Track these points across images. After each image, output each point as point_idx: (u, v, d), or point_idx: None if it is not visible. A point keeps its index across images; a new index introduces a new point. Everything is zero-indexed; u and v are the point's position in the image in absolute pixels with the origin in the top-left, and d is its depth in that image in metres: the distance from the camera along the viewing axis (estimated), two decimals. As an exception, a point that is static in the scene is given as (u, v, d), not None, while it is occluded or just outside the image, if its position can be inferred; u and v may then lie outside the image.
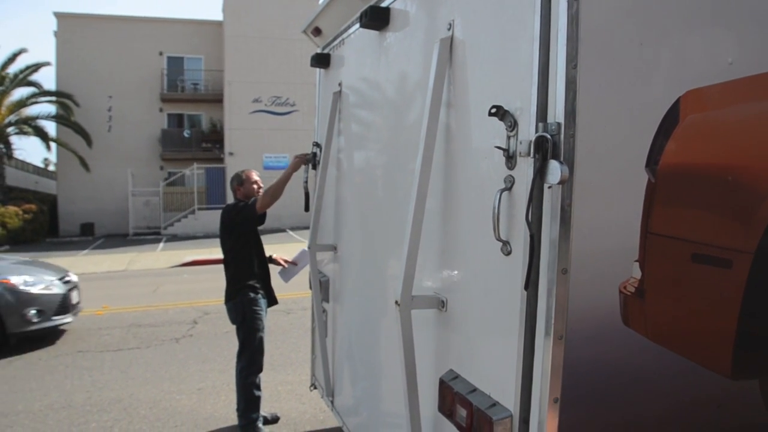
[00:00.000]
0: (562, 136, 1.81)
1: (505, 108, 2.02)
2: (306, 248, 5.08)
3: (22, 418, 5.70)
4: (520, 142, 1.95)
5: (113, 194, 30.00)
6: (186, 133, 31.43)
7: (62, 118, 29.02)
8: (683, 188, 2.07)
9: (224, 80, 30.15)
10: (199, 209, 28.97)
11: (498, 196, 2.00)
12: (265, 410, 5.40)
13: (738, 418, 2.34)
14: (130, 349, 8.10)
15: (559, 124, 1.82)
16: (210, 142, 31.87)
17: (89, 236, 29.23)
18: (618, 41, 1.93)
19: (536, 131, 1.86)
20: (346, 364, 4.13)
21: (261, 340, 5.12)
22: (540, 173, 1.82)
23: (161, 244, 24.73)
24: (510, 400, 2.04)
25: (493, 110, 2.02)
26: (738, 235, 2.19)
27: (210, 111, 32.17)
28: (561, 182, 1.76)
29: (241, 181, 5.29)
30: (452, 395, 2.34)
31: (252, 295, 5.13)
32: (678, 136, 2.03)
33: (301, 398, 6.00)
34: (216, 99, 31.41)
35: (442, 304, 2.52)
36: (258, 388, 5.12)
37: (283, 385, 6.31)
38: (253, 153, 28.84)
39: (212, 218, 25.35)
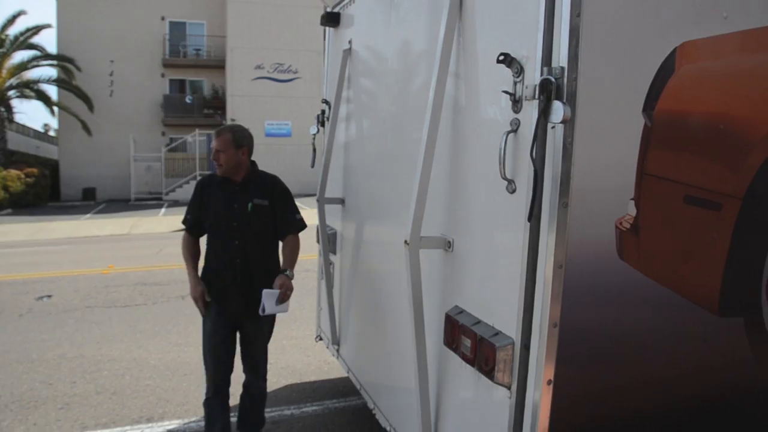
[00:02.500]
0: (565, 79, 1.95)
1: (512, 55, 2.14)
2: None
3: (36, 365, 5.90)
4: (526, 87, 2.07)
5: (115, 159, 30.01)
6: (188, 99, 31.32)
7: (63, 82, 28.91)
8: (677, 133, 2.21)
9: (226, 46, 29.99)
10: (201, 175, 28.98)
11: (504, 138, 2.13)
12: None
13: (723, 353, 2.51)
14: (137, 306, 8.30)
15: (562, 68, 1.95)
16: (212, 109, 31.79)
17: (91, 201, 29.34)
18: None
19: (541, 74, 1.99)
20: (352, 312, 4.30)
21: (204, 355, 3.95)
22: (544, 113, 1.95)
23: (163, 210, 24.88)
24: (512, 329, 2.20)
25: (501, 57, 2.15)
26: (728, 180, 2.33)
27: (212, 77, 32.02)
28: (563, 121, 1.90)
29: None
30: (457, 328, 2.51)
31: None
32: (673, 84, 2.16)
33: (305, 351, 6.21)
34: (218, 65, 31.25)
35: (448, 245, 2.67)
36: (210, 408, 3.90)
37: (288, 339, 6.50)
38: (255, 120, 28.79)
39: (214, 184, 25.28)
